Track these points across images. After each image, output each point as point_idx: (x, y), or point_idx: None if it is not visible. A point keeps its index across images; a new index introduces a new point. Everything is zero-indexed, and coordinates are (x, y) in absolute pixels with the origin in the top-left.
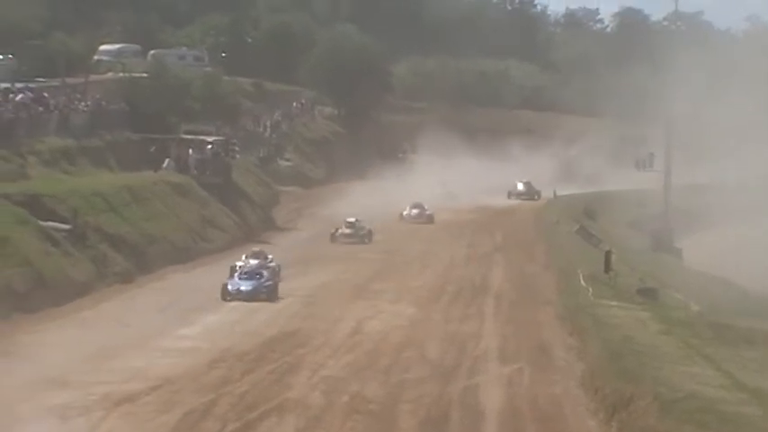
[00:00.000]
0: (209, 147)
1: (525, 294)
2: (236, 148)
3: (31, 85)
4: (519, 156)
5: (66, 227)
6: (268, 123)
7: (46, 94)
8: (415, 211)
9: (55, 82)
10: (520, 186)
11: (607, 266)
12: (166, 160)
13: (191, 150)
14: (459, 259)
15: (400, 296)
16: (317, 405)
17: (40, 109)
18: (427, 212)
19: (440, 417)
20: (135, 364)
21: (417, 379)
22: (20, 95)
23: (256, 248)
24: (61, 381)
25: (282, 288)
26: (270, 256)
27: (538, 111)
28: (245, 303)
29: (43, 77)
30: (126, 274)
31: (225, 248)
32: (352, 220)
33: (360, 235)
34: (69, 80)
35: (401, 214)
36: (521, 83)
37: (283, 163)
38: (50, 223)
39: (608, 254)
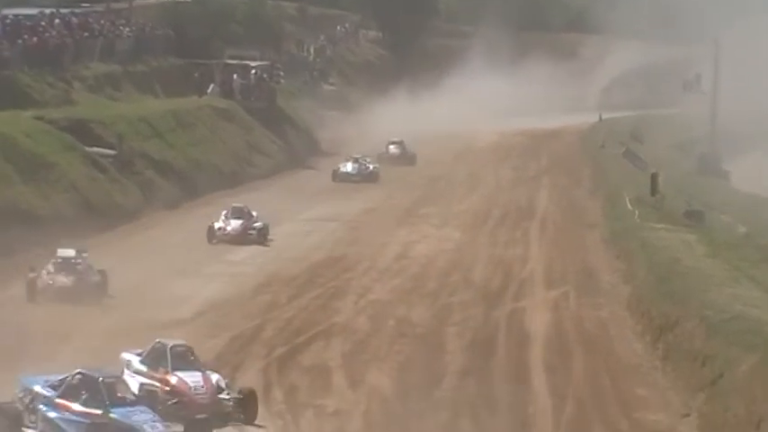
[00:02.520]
0: (254, 72)
1: (571, 218)
2: (281, 73)
3: (76, 10)
4: (564, 79)
5: (112, 153)
6: (312, 48)
7: (91, 20)
8: (394, 150)
9: (99, 7)
10: (392, 148)
11: (654, 189)
12: (211, 85)
13: (235, 75)
14: (504, 183)
15: (446, 220)
16: (363, 329)
17: (85, 34)
18: (408, 153)
19: (486, 340)
20: (182, 289)
21: (463, 302)
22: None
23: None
24: (108, 306)
25: (328, 213)
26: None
27: (584, 33)
28: (294, 229)
29: (88, 3)
30: (172, 199)
31: (270, 174)
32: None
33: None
34: (114, 5)
35: (382, 151)
36: (567, 3)
37: (327, 87)
38: (96, 149)
39: (654, 176)
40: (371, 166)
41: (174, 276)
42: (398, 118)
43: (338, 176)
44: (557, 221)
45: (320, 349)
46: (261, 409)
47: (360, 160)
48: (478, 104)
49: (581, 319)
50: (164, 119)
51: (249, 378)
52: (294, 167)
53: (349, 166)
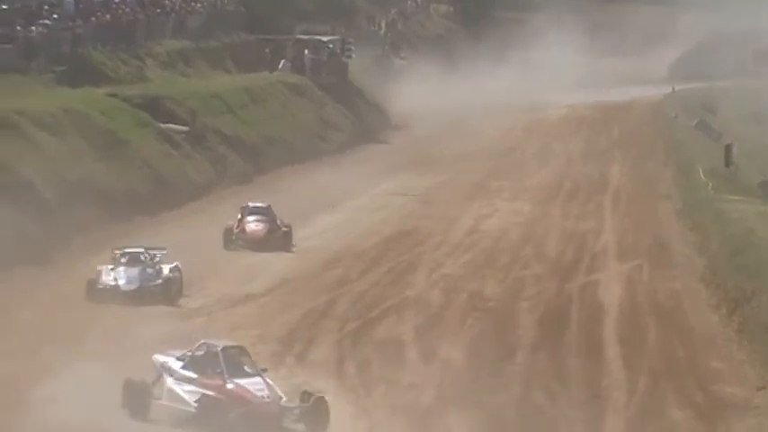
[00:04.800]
0: (325, 47)
1: (644, 190)
2: (352, 48)
3: None
4: (639, 50)
5: (185, 129)
6: (383, 22)
7: None
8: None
9: None
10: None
11: (727, 160)
12: (282, 61)
13: (306, 51)
14: (576, 155)
15: (517, 194)
16: (435, 303)
17: (158, 11)
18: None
19: (559, 313)
20: (252, 264)
21: (536, 276)
22: None
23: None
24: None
25: (399, 187)
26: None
27: (654, 5)
28: (365, 203)
29: None
30: (244, 175)
31: (342, 148)
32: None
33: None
34: None
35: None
36: None
37: (399, 61)
38: (169, 125)
39: (728, 147)
40: (162, 268)
41: (245, 252)
42: (469, 91)
43: (96, 292)
44: (629, 194)
45: (393, 323)
46: (335, 383)
47: (142, 258)
48: (549, 77)
49: (655, 291)
50: (236, 95)
51: (322, 352)
52: (366, 142)
53: (121, 274)
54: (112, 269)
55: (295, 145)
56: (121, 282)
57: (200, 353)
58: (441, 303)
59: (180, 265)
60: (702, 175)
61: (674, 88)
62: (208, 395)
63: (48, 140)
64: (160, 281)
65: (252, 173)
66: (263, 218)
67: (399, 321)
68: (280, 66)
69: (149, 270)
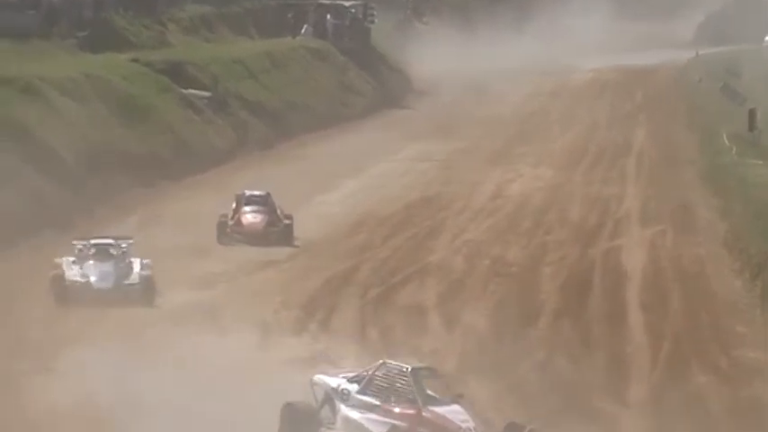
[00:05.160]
0: (347, 12)
1: (668, 155)
2: (374, 13)
3: None
4: (659, 15)
5: (208, 94)
6: None
7: None
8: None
9: None
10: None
11: (751, 125)
12: (304, 26)
13: (328, 16)
14: (600, 120)
15: (541, 159)
16: (458, 269)
17: None
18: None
19: (582, 279)
20: None
21: (559, 241)
22: None
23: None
24: (205, 248)
25: (422, 152)
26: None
27: None
28: (388, 168)
29: None
30: (266, 140)
31: (365, 114)
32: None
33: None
34: None
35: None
36: None
37: (421, 26)
38: (192, 91)
39: (752, 112)
40: (138, 270)
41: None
42: (492, 56)
43: (62, 290)
44: (653, 158)
45: (415, 289)
46: (357, 349)
47: (113, 252)
48: (573, 41)
49: (678, 256)
50: (258, 60)
51: (345, 318)
52: (388, 107)
53: (90, 269)
54: (75, 262)
55: (317, 110)
56: (93, 278)
57: (380, 373)
58: (463, 269)
59: (150, 263)
60: (726, 140)
61: (697, 52)
62: (398, 426)
63: (70, 106)
64: (138, 279)
65: (274, 139)
66: (262, 208)
67: (422, 287)
68: (302, 31)
69: (122, 266)
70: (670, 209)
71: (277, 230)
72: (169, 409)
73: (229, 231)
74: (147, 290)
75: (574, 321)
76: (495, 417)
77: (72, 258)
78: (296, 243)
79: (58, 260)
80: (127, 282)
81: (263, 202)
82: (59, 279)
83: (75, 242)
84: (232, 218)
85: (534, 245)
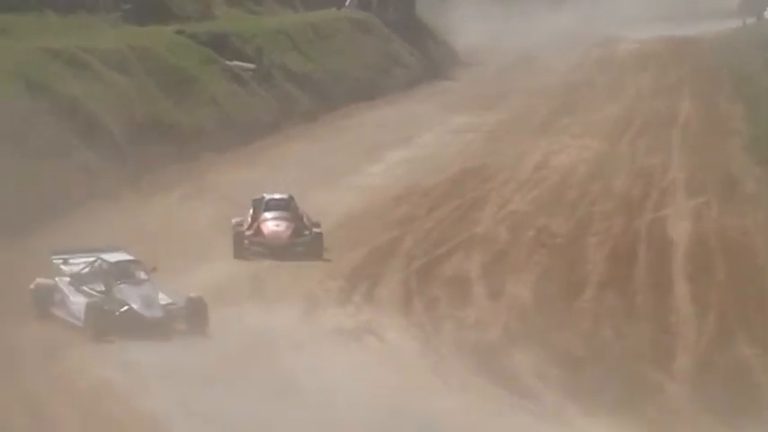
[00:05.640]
0: None
1: (713, 125)
2: None
3: None
4: None
5: (252, 66)
6: None
7: None
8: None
9: None
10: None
11: None
12: None
13: None
14: (644, 90)
15: (586, 129)
16: (502, 240)
17: None
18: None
19: (627, 250)
20: (320, 201)
21: (604, 212)
22: None
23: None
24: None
25: (466, 123)
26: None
27: None
28: (432, 140)
29: None
30: (311, 112)
31: (409, 85)
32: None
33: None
34: None
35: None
36: None
37: None
38: (236, 63)
39: None
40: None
41: (313, 188)
42: (536, 28)
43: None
44: (698, 129)
45: (460, 260)
46: (402, 320)
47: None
48: (618, 12)
49: (724, 227)
50: (302, 31)
51: (389, 289)
52: (433, 78)
53: (129, 294)
54: (74, 283)
55: (361, 82)
56: (137, 305)
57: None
58: (508, 240)
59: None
60: None
61: (744, 21)
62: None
63: (116, 78)
64: (182, 303)
65: (318, 110)
66: (285, 214)
67: (466, 258)
68: (347, 3)
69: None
70: (715, 179)
71: (305, 241)
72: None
73: (248, 243)
74: (196, 314)
75: (619, 292)
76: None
77: (65, 278)
78: (327, 257)
79: (41, 280)
80: (176, 307)
81: (286, 207)
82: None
83: (56, 257)
84: (250, 227)
85: (579, 216)
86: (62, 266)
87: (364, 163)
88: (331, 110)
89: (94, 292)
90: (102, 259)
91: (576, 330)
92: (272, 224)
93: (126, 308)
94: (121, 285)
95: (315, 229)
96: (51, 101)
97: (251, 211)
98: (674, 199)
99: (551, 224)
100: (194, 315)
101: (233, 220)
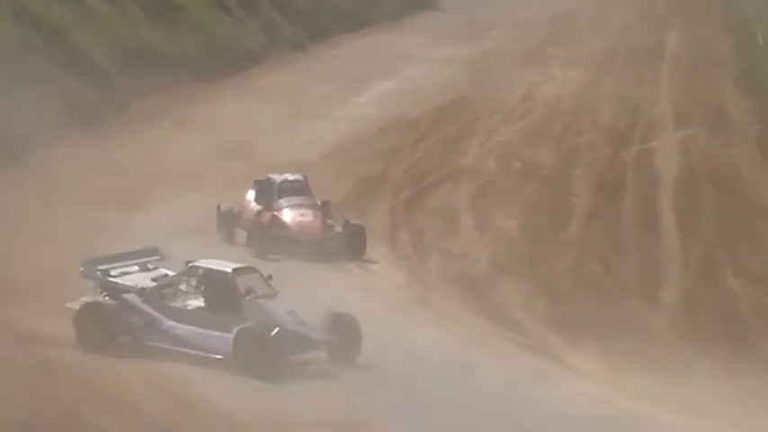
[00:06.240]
0: None
1: (701, 57)
2: None
3: None
4: None
5: None
6: None
7: None
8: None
9: None
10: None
11: None
12: None
13: None
14: (631, 22)
15: (572, 61)
16: (489, 171)
17: None
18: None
19: (613, 181)
20: (307, 132)
21: (590, 144)
22: None
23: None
24: (237, 147)
25: (453, 54)
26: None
27: None
28: (419, 71)
29: None
30: (297, 41)
31: (396, 16)
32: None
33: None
34: None
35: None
36: None
37: None
38: None
39: None
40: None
41: (300, 119)
42: None
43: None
44: (686, 61)
45: (447, 191)
46: (388, 250)
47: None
48: None
49: (711, 159)
50: None
51: (376, 220)
52: (420, 8)
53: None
54: (152, 300)
55: (349, 12)
56: (291, 325)
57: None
58: (494, 171)
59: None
60: (761, 41)
61: None
62: None
63: (102, 6)
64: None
65: (305, 40)
66: (307, 200)
67: (453, 190)
68: None
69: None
70: (703, 112)
71: (341, 235)
72: None
73: (256, 236)
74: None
75: (605, 224)
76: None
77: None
78: (368, 262)
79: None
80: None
81: (303, 190)
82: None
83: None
84: (259, 217)
85: (566, 147)
86: (113, 279)
87: (352, 93)
88: (318, 40)
89: (209, 313)
90: (207, 268)
91: (563, 262)
92: (293, 213)
93: (277, 329)
94: (258, 300)
95: (353, 221)
96: (36, 29)
97: (250, 195)
98: (662, 131)
99: (538, 156)
100: (346, 337)
101: (221, 207)
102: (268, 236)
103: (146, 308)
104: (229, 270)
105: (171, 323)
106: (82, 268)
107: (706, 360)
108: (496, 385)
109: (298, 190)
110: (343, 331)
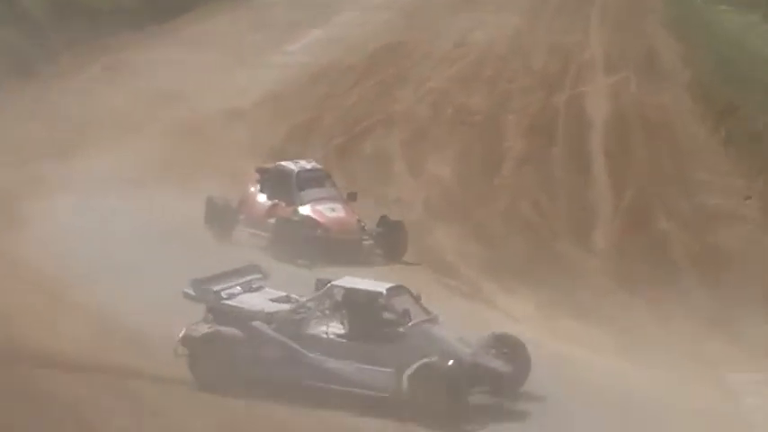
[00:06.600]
0: None
1: (631, 2)
2: None
3: None
4: None
5: None
6: None
7: None
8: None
9: None
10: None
11: None
12: None
13: None
14: None
15: (504, 6)
16: (422, 117)
17: None
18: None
19: (545, 126)
20: (240, 79)
21: (522, 89)
22: None
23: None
24: (171, 95)
25: (383, 1)
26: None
27: None
28: (350, 18)
29: None
30: None
31: None
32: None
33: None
34: None
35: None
36: None
37: None
38: None
39: None
40: None
41: (233, 66)
42: None
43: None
44: (616, 6)
45: (380, 138)
46: None
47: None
48: None
49: (641, 104)
50: None
51: None
52: None
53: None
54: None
55: None
56: (478, 356)
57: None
58: (427, 117)
59: None
60: None
61: None
62: None
63: None
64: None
65: None
66: (332, 192)
67: (387, 136)
68: None
69: None
70: (634, 56)
71: (379, 233)
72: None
73: (288, 239)
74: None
75: (538, 168)
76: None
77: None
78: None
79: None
80: None
81: (325, 181)
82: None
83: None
84: (277, 213)
85: (498, 93)
86: (228, 302)
87: (284, 41)
88: None
89: (357, 343)
90: (352, 288)
91: (496, 207)
92: (322, 208)
93: (452, 362)
94: (424, 326)
95: (394, 219)
96: None
97: (254, 187)
98: (593, 76)
99: (470, 102)
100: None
101: (214, 198)
102: (297, 236)
103: (280, 337)
104: (384, 290)
105: (315, 355)
106: (190, 291)
107: (638, 304)
108: None
109: (319, 181)
110: (512, 357)
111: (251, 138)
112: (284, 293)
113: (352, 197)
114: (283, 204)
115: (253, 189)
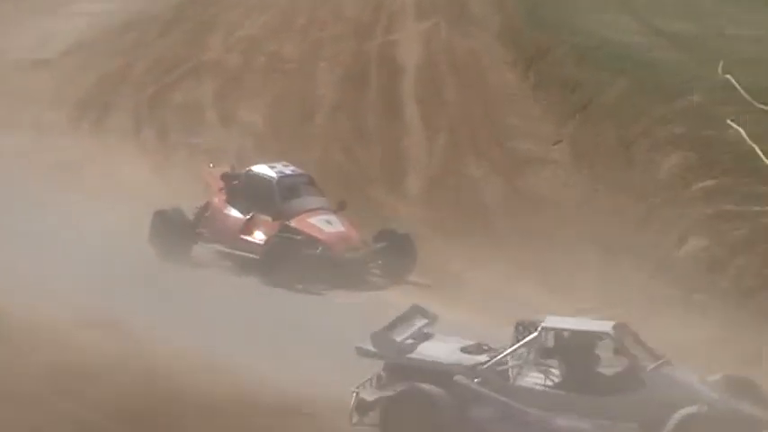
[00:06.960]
0: None
1: None
2: None
3: None
4: None
5: None
6: None
7: None
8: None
9: None
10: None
11: None
12: None
13: None
14: None
15: None
16: (234, 66)
17: None
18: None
19: (357, 74)
20: (47, 28)
21: (334, 37)
22: None
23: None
24: None
25: None
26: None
27: None
28: None
29: None
30: None
31: None
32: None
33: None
34: None
35: None
36: None
37: None
38: None
39: None
40: None
41: (37, 15)
42: None
43: None
44: None
45: (191, 87)
46: (133, 148)
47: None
48: None
49: (453, 49)
50: None
51: (120, 117)
52: None
53: None
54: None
55: None
56: None
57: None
58: (239, 66)
59: None
60: None
61: None
62: None
63: None
64: None
65: None
66: (321, 201)
67: (198, 85)
68: None
69: None
70: (444, 3)
71: (383, 249)
72: None
73: (282, 258)
74: None
75: (351, 115)
76: None
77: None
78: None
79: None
80: None
81: (311, 189)
82: None
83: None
84: (249, 230)
85: (310, 41)
86: (414, 356)
87: None
88: None
89: (576, 394)
90: (572, 330)
91: (309, 155)
92: (316, 221)
93: (707, 409)
94: (664, 370)
95: (401, 232)
96: None
97: (218, 198)
98: (404, 23)
99: (282, 50)
100: None
101: (167, 210)
102: (296, 256)
103: (492, 393)
104: (611, 330)
105: (535, 411)
106: (371, 347)
107: (451, 248)
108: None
109: (304, 188)
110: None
111: (57, 88)
112: (472, 341)
113: (341, 206)
114: (268, 219)
115: (217, 200)
